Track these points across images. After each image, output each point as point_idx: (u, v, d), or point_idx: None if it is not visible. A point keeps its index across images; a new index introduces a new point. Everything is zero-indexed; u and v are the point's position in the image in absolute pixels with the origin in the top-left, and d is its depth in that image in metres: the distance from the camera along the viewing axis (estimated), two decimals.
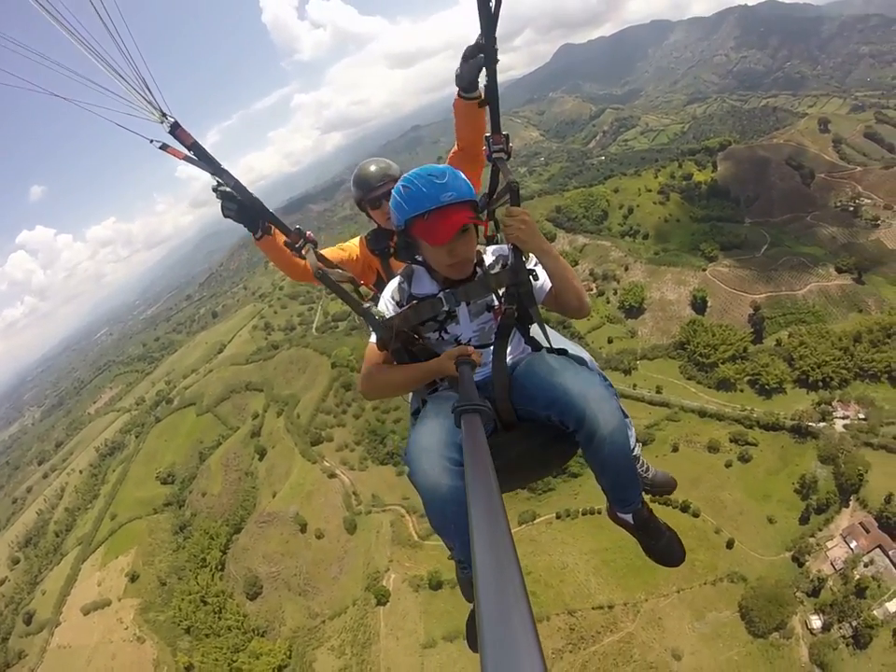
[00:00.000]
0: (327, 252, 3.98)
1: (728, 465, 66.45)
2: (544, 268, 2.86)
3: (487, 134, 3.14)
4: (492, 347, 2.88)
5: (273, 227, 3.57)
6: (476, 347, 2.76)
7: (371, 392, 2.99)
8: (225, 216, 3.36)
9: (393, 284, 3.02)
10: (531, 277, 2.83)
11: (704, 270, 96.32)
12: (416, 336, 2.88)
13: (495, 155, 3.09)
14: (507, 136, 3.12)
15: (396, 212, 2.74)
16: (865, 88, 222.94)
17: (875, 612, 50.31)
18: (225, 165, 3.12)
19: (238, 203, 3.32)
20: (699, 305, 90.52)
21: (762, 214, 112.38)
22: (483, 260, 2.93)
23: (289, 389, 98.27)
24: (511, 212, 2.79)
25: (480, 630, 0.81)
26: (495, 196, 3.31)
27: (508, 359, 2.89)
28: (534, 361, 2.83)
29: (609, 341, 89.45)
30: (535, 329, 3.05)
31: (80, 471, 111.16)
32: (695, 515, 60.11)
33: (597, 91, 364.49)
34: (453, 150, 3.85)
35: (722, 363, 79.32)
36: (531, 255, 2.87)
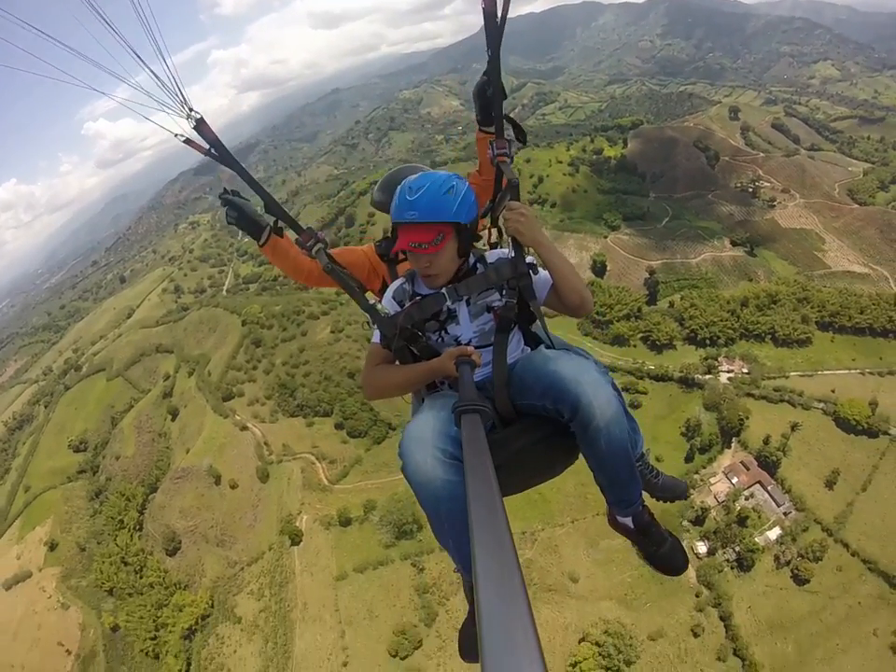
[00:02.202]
0: (336, 252, 3.80)
1: None
2: (543, 261, 2.87)
3: (492, 139, 3.19)
4: (492, 346, 2.89)
5: (273, 232, 3.50)
6: (476, 348, 2.71)
7: (372, 392, 3.00)
8: (228, 222, 3.36)
9: (395, 284, 3.08)
10: (531, 271, 2.87)
11: (605, 237, 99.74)
12: (419, 333, 2.88)
13: (498, 158, 3.12)
14: (510, 141, 3.18)
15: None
16: (781, 84, 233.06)
17: (756, 539, 55.11)
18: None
19: (239, 209, 3.31)
20: (599, 269, 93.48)
21: (665, 190, 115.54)
22: (484, 258, 3.02)
23: (200, 349, 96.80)
24: (510, 206, 2.88)
25: (480, 630, 0.81)
26: (497, 199, 3.28)
27: (508, 359, 2.87)
28: (531, 355, 2.85)
29: None
30: (535, 328, 3.15)
31: None
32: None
33: (521, 66, 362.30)
34: (475, 171, 3.90)
35: (617, 321, 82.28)
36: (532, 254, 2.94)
